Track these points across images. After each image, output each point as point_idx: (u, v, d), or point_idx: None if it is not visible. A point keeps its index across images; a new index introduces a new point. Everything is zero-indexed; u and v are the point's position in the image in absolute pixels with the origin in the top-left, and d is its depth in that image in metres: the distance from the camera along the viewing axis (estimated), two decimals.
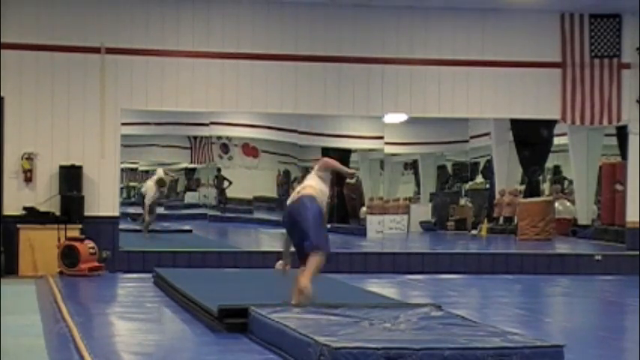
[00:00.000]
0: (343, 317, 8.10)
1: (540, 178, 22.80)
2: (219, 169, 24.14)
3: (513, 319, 10.24)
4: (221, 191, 23.41)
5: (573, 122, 15.80)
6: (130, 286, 13.08)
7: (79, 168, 14.35)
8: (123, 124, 14.88)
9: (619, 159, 18.91)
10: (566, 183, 23.66)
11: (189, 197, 27.01)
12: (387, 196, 21.51)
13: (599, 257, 15.80)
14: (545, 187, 23.84)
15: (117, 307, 11.05)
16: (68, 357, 7.64)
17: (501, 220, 22.61)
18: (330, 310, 8.45)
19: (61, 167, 14.31)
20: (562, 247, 18.99)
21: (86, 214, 14.27)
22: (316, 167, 9.81)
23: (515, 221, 21.45)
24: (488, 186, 24.02)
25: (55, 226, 13.82)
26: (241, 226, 23.35)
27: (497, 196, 22.81)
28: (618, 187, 18.06)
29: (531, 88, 15.56)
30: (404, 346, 6.74)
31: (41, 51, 14.41)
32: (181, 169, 26.43)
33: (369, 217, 19.21)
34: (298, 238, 9.43)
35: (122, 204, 16.68)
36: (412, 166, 22.81)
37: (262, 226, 23.36)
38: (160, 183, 21.99)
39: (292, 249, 9.74)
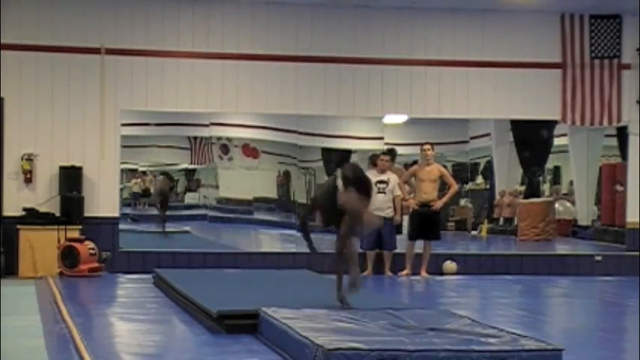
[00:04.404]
0: (349, 319, 8.10)
1: (540, 178, 22.82)
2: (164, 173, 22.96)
3: (513, 320, 10.23)
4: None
5: (573, 123, 15.79)
6: (130, 286, 13.07)
7: (79, 169, 14.33)
8: (123, 124, 14.87)
9: (619, 160, 18.93)
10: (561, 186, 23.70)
11: (189, 198, 27.05)
12: None
13: (599, 258, 15.79)
14: (546, 187, 23.87)
15: (117, 308, 11.03)
16: (68, 358, 7.64)
17: (501, 221, 22.64)
18: (337, 312, 8.46)
19: (61, 168, 14.30)
20: (562, 247, 18.98)
21: (86, 214, 14.25)
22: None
23: (516, 222, 21.47)
24: (488, 187, 24.07)
25: (55, 226, 13.81)
26: (241, 226, 23.37)
27: (497, 196, 22.84)
28: (618, 187, 18.07)
29: (531, 88, 15.54)
30: (398, 348, 6.75)
31: (41, 51, 14.39)
32: (181, 170, 26.47)
33: None
34: None
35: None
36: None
37: (262, 226, 23.39)
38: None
39: None
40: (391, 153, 15.47)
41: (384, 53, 15.19)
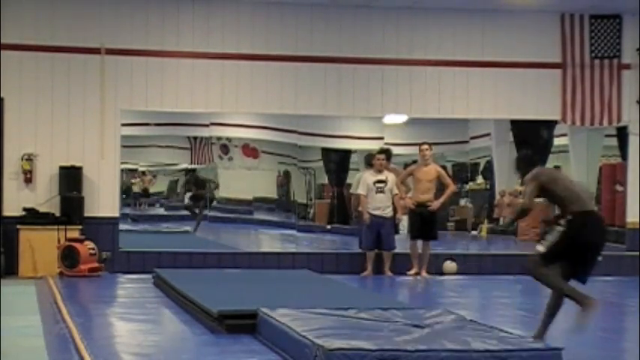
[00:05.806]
0: (349, 319, 8.10)
1: None
2: (193, 170, 24.35)
3: (514, 320, 10.24)
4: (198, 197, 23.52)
5: (573, 123, 15.79)
6: (130, 286, 13.07)
7: (79, 169, 14.33)
8: (123, 124, 14.87)
9: (619, 160, 18.91)
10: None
11: (189, 198, 26.95)
12: None
13: (599, 258, 15.73)
14: None
15: (117, 308, 11.04)
16: (68, 358, 7.64)
17: (501, 221, 22.61)
18: (337, 312, 8.46)
19: (61, 168, 14.30)
20: None
21: (86, 214, 14.25)
22: None
23: (516, 222, 21.44)
24: (488, 187, 24.04)
25: (55, 226, 13.81)
26: (241, 226, 23.36)
27: (497, 196, 22.81)
28: (618, 187, 18.05)
29: (531, 88, 15.55)
30: (399, 348, 6.74)
31: (41, 52, 14.39)
32: (181, 170, 26.42)
33: None
34: None
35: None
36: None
37: (262, 226, 23.38)
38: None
39: None
40: (386, 152, 15.29)
41: (384, 53, 15.19)
